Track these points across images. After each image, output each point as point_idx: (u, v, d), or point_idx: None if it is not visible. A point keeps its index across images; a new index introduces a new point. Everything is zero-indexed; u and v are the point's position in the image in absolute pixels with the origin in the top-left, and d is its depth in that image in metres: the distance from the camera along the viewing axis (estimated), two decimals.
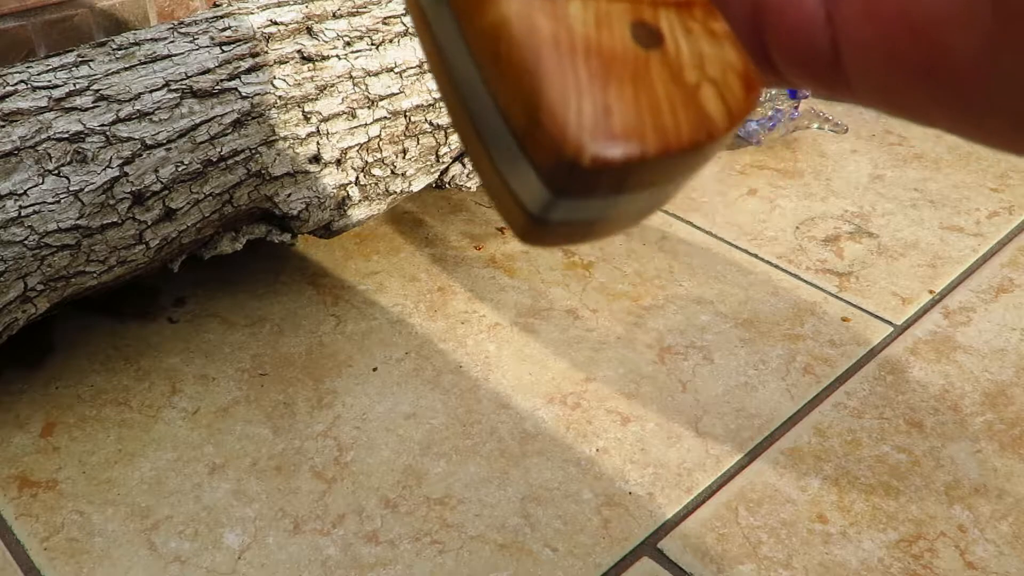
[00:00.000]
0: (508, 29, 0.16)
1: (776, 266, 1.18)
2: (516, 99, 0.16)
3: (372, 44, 1.02)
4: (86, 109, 0.87)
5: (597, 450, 0.92)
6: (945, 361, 1.03)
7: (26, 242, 0.83)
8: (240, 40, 0.95)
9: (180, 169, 0.90)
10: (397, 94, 1.03)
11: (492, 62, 0.17)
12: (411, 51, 1.04)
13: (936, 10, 0.17)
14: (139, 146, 0.88)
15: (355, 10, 1.02)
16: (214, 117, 0.92)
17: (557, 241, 0.19)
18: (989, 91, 0.17)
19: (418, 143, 1.06)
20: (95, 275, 0.90)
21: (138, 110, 0.88)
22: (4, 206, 0.82)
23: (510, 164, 0.17)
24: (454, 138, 1.08)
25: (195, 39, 0.94)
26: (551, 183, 0.17)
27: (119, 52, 0.91)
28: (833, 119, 1.42)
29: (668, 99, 0.17)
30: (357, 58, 1.00)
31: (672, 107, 0.17)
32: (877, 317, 1.10)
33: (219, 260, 1.06)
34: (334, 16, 1.01)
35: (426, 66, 1.04)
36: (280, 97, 0.95)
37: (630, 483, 0.89)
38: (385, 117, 1.02)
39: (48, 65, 0.89)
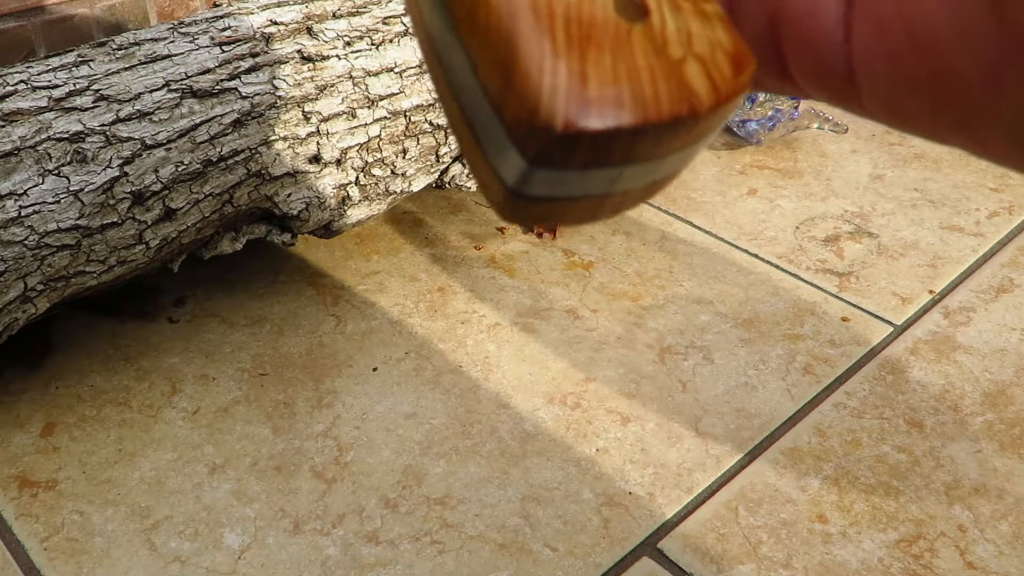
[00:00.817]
0: None
1: (776, 266, 1.18)
2: (493, 65, 0.16)
3: (372, 44, 1.02)
4: (86, 109, 0.87)
5: (597, 450, 0.92)
6: (945, 361, 1.03)
7: (26, 242, 0.83)
8: (240, 40, 0.95)
9: (180, 169, 0.90)
10: (397, 94, 1.02)
11: (471, 30, 0.16)
12: (411, 51, 1.04)
13: (940, 28, 0.17)
14: (139, 146, 0.88)
15: (355, 10, 1.02)
16: (214, 117, 0.92)
17: (538, 217, 0.18)
18: (993, 109, 0.17)
19: (418, 143, 1.06)
20: (95, 275, 0.90)
21: (138, 110, 0.88)
22: (4, 206, 0.82)
23: (488, 134, 0.17)
24: (454, 138, 1.08)
25: (195, 39, 0.94)
26: (526, 150, 0.16)
27: (119, 52, 0.91)
28: (833, 119, 1.42)
29: (649, 70, 0.16)
30: (357, 58, 1.00)
31: (653, 78, 0.16)
32: (877, 317, 1.10)
33: (219, 260, 1.06)
34: (334, 16, 1.01)
35: (426, 66, 1.04)
36: (280, 97, 0.95)
37: (630, 483, 0.89)
38: (385, 117, 1.02)
39: (48, 65, 0.89)
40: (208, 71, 0.93)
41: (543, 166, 0.16)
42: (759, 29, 0.20)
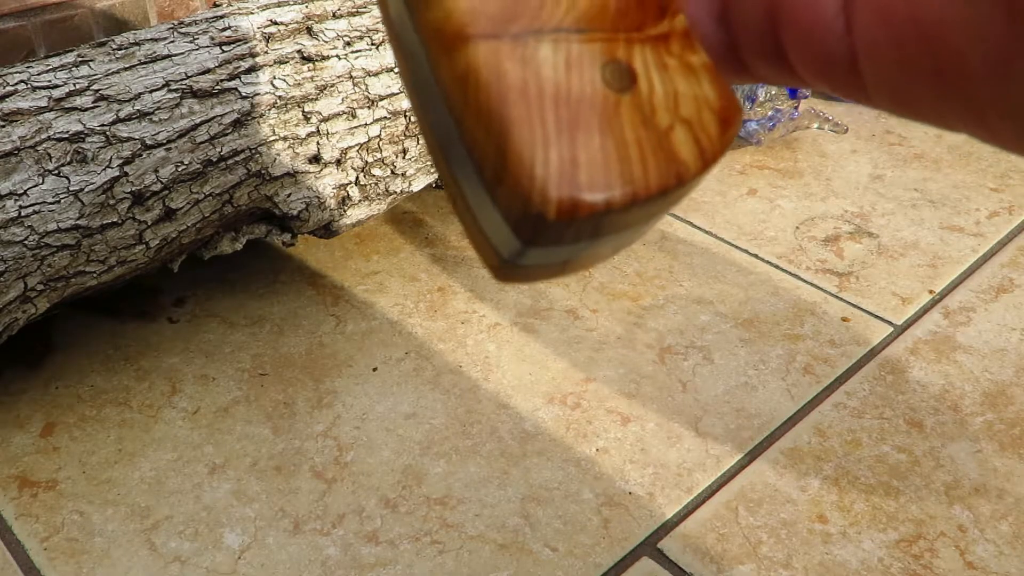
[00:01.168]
0: (477, 75, 0.16)
1: (776, 266, 1.18)
2: (485, 148, 0.16)
3: (372, 44, 1.02)
4: (86, 109, 0.87)
5: (597, 450, 0.92)
6: (945, 361, 1.03)
7: (26, 242, 0.83)
8: (240, 40, 0.95)
9: (180, 169, 0.90)
10: (397, 94, 1.02)
11: (463, 107, 0.17)
12: None
13: (947, 15, 0.17)
14: (139, 146, 0.88)
15: (355, 10, 1.03)
16: (214, 117, 0.92)
17: (531, 280, 0.19)
18: (1001, 96, 0.17)
19: (418, 143, 1.06)
20: (95, 275, 0.90)
21: (138, 110, 0.88)
22: (4, 206, 0.82)
23: (482, 209, 0.17)
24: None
25: (195, 39, 0.94)
26: (520, 233, 0.17)
27: (119, 52, 0.91)
28: (833, 119, 1.42)
29: (637, 145, 0.17)
30: (357, 58, 1.00)
31: (641, 154, 0.17)
32: (877, 317, 1.10)
33: (219, 260, 1.06)
34: (334, 16, 1.01)
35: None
36: (280, 97, 0.95)
37: (630, 483, 0.89)
38: (385, 117, 1.02)
39: (48, 65, 0.89)
40: (208, 71, 0.93)
41: (536, 246, 0.17)
42: (757, 20, 0.19)
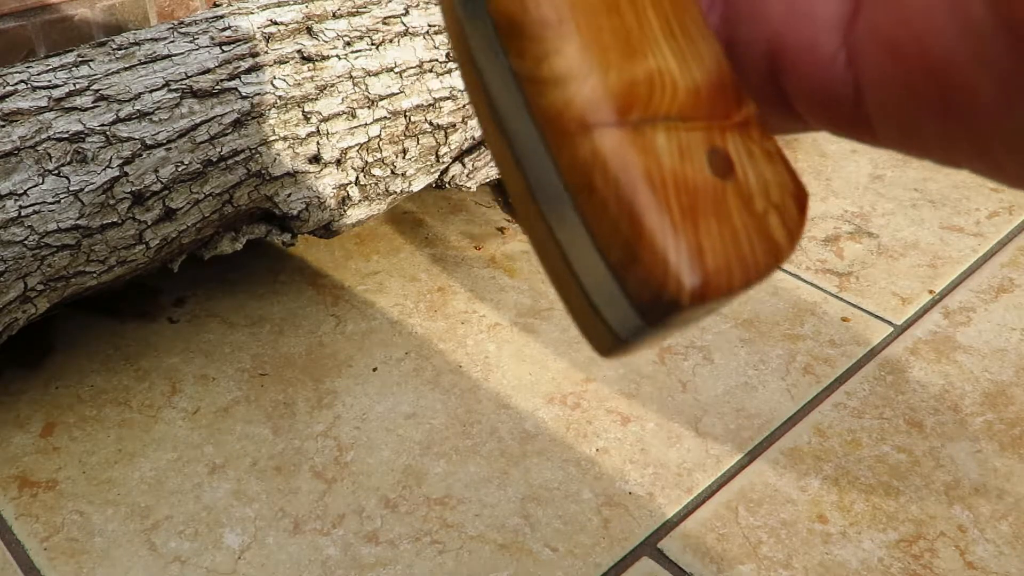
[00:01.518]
0: (604, 164, 0.17)
1: None
2: (614, 234, 0.17)
3: (372, 44, 1.02)
4: (86, 109, 0.87)
5: (597, 450, 0.92)
6: (945, 361, 1.03)
7: (26, 242, 0.83)
8: (240, 40, 0.95)
9: (180, 169, 0.90)
10: (397, 94, 1.03)
11: (588, 193, 0.17)
12: (411, 51, 1.04)
13: (955, 48, 0.16)
14: (139, 146, 0.88)
15: (355, 10, 1.03)
16: (214, 117, 0.92)
17: (632, 353, 0.20)
18: (1008, 129, 0.17)
19: (418, 143, 1.06)
20: (95, 275, 0.90)
21: (138, 110, 0.88)
22: (4, 206, 0.82)
23: (600, 291, 0.18)
24: (454, 138, 1.08)
25: (195, 39, 0.94)
26: (647, 316, 0.17)
27: (119, 52, 0.91)
28: None
29: (745, 230, 0.17)
30: (357, 58, 1.00)
31: (749, 238, 0.17)
32: (877, 317, 1.10)
33: (219, 260, 1.06)
34: (334, 16, 1.01)
35: (426, 66, 1.04)
36: (280, 97, 0.95)
37: (630, 483, 0.89)
38: (385, 117, 1.02)
39: (48, 65, 0.89)
40: (208, 71, 0.93)
41: (659, 328, 0.18)
42: (758, 67, 0.19)
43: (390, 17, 1.04)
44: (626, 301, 0.17)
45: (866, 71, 0.18)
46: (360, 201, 1.05)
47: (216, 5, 1.02)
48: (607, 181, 0.17)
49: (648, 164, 0.17)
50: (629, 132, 0.17)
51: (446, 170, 1.13)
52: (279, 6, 1.00)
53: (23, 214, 0.83)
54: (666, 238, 0.17)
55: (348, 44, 1.00)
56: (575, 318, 0.19)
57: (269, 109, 0.95)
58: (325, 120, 0.98)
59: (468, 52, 0.18)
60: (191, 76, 0.92)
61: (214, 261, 1.05)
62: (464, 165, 1.13)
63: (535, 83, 0.17)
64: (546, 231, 0.19)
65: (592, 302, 0.18)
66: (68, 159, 0.85)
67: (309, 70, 0.97)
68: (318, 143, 0.98)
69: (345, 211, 1.04)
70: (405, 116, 1.03)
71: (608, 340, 0.19)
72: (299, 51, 0.97)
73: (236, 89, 0.93)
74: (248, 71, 0.94)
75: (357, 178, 1.03)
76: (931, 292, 1.14)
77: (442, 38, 1.06)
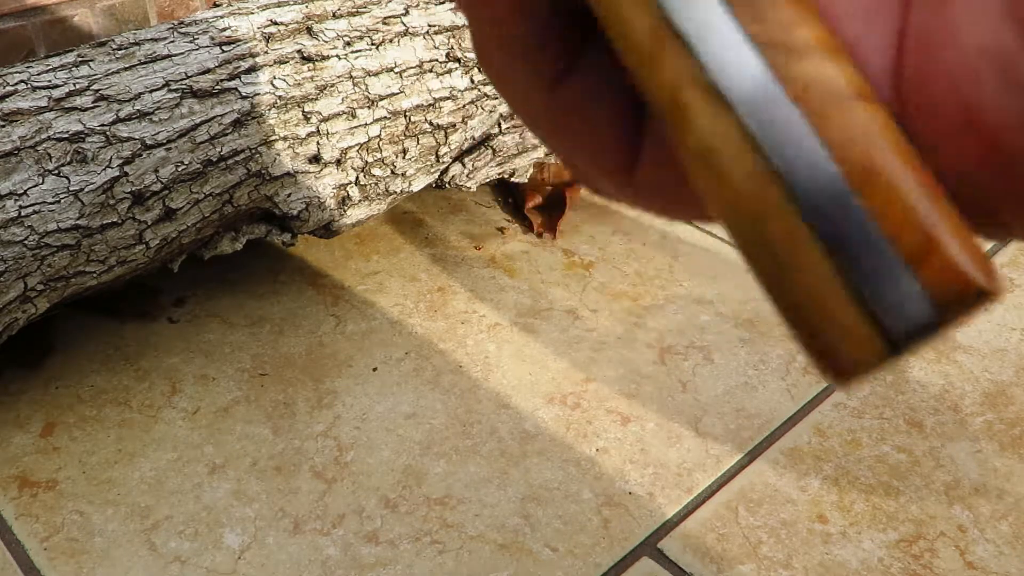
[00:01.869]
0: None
1: None
2: (907, 221, 0.16)
3: (372, 44, 1.02)
4: (86, 109, 0.87)
5: (597, 450, 0.92)
6: (945, 361, 1.03)
7: (26, 242, 0.83)
8: (240, 40, 0.95)
9: (180, 169, 0.90)
10: (397, 94, 1.03)
11: (871, 189, 0.16)
12: (411, 51, 1.04)
13: (1003, 116, 0.16)
14: (139, 146, 0.88)
15: (355, 10, 1.03)
16: (214, 117, 0.92)
17: (890, 366, 0.18)
18: None
19: (418, 143, 1.06)
20: (95, 275, 0.90)
21: (138, 110, 0.88)
22: (4, 206, 0.82)
23: (884, 292, 0.17)
24: (454, 138, 1.08)
25: (195, 39, 0.94)
26: (943, 310, 0.16)
27: (119, 52, 0.91)
28: None
29: (975, 247, 0.17)
30: (357, 58, 1.00)
31: (983, 258, 0.17)
32: None
33: (219, 260, 1.06)
34: (334, 16, 1.01)
35: (426, 66, 1.04)
36: (280, 97, 0.95)
37: (630, 483, 0.89)
38: (385, 117, 1.02)
39: (48, 65, 0.89)
40: (208, 71, 0.93)
41: (947, 324, 0.17)
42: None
43: (390, 17, 1.04)
44: (923, 296, 0.16)
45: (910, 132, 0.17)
46: (360, 201, 1.05)
47: (216, 5, 1.02)
48: (892, 191, 0.16)
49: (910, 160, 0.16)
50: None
51: (446, 170, 1.13)
52: (279, 6, 1.00)
53: (23, 214, 0.83)
54: (956, 233, 0.16)
55: (348, 44, 1.00)
56: (824, 338, 0.17)
57: (269, 109, 0.95)
58: (325, 120, 0.98)
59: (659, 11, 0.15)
60: (191, 76, 0.92)
61: (214, 261, 1.05)
62: (464, 165, 1.13)
63: (783, 51, 0.15)
64: (807, 237, 0.16)
65: (869, 309, 0.17)
66: (68, 159, 0.85)
67: (309, 70, 0.97)
68: (318, 143, 0.98)
69: (345, 211, 1.04)
70: (405, 116, 1.03)
71: (875, 347, 0.17)
72: (299, 51, 0.97)
73: (236, 89, 0.93)
74: (248, 71, 0.94)
75: (357, 178, 1.03)
76: None
77: (442, 38, 1.06)
